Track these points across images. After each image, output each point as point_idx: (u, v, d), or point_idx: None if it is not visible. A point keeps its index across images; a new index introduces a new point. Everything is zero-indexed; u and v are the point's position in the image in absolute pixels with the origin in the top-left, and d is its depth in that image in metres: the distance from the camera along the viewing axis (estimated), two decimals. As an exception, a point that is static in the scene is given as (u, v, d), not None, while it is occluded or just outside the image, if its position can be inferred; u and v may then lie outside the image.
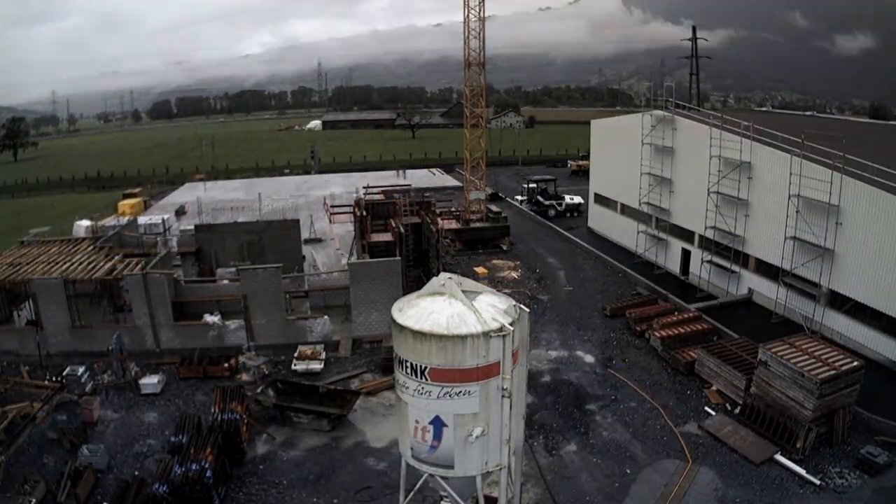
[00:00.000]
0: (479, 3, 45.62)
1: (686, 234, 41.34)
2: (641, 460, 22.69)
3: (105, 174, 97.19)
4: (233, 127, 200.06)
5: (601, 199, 53.25)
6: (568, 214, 59.03)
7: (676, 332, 31.10)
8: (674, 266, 42.57)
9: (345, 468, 22.57)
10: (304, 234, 42.81)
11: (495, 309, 14.57)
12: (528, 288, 40.03)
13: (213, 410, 24.19)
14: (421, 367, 13.88)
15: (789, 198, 31.69)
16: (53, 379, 28.29)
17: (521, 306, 14.94)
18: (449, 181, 76.75)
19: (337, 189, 63.22)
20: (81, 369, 27.77)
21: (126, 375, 28.08)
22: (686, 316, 33.09)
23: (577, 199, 59.78)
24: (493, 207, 55.61)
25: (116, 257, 33.42)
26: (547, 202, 59.65)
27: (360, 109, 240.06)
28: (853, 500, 20.36)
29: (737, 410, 25.29)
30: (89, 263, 32.62)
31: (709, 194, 37.34)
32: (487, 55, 47.65)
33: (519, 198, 64.52)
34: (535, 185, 61.15)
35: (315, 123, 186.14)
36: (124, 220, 44.10)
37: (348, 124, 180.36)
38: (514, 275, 42.71)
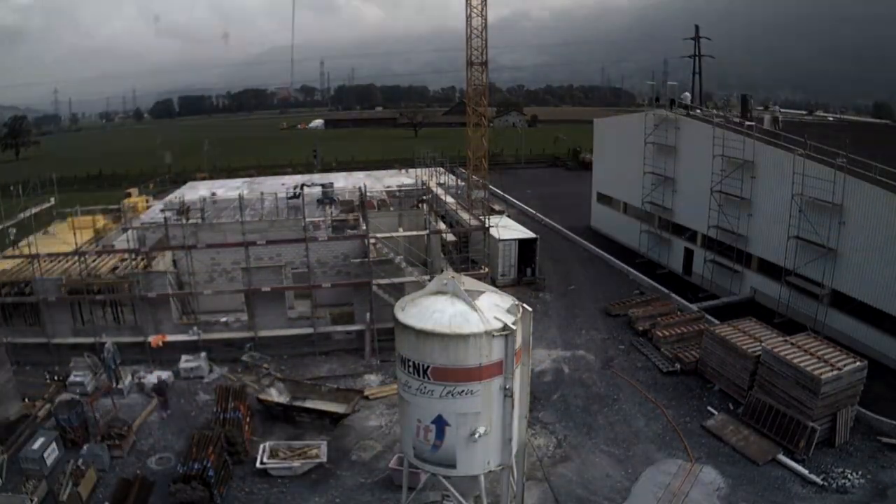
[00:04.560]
0: (482, 2, 45.51)
1: (689, 234, 41.29)
2: (643, 460, 22.64)
3: (107, 173, 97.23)
4: (235, 125, 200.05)
5: (604, 199, 53.20)
6: None
7: (679, 331, 31.07)
8: (676, 265, 42.51)
9: (347, 467, 22.55)
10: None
11: (498, 308, 14.54)
12: (530, 287, 40.01)
13: (215, 409, 24.22)
14: (423, 366, 13.86)
15: (792, 197, 31.63)
16: (55, 378, 28.33)
17: (524, 305, 14.92)
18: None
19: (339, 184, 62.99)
20: (84, 376, 27.76)
21: (119, 383, 27.85)
22: (688, 316, 33.05)
23: None
24: (496, 207, 55.54)
25: (119, 255, 33.40)
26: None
27: (362, 108, 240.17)
28: (855, 501, 20.30)
29: (739, 410, 25.24)
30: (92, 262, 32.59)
31: (711, 193, 37.29)
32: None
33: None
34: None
35: (317, 122, 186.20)
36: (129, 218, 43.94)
37: (350, 123, 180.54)
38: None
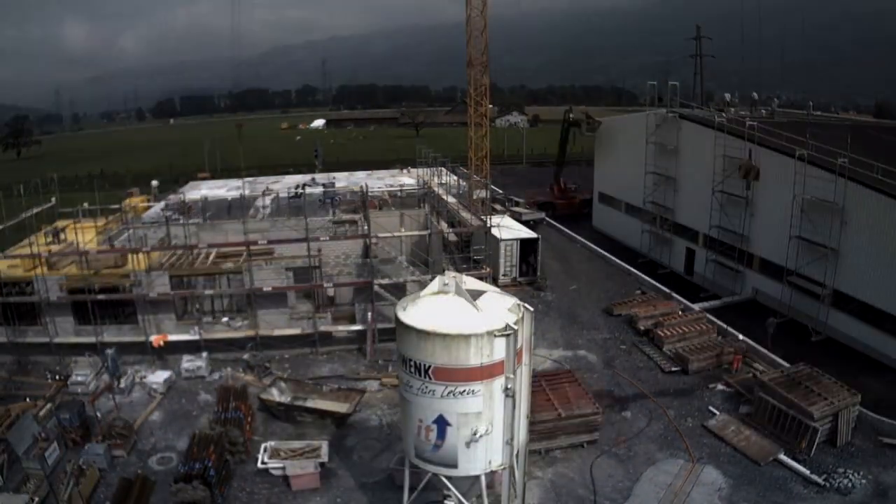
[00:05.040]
0: (482, 2, 45.47)
1: (691, 234, 41.27)
2: (645, 460, 22.62)
3: (109, 173, 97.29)
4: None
5: (605, 198, 53.19)
6: None
7: (681, 331, 31.04)
8: (678, 265, 42.49)
9: (348, 467, 22.55)
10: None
11: (499, 308, 14.55)
12: (531, 287, 40.00)
13: (216, 409, 24.21)
14: (425, 365, 13.86)
15: (794, 197, 31.60)
16: (56, 377, 28.33)
17: (525, 305, 14.91)
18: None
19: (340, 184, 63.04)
20: (86, 375, 27.77)
21: (117, 389, 27.82)
22: (690, 316, 33.03)
23: None
24: (497, 206, 55.52)
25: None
26: None
27: (363, 108, 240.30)
28: (857, 502, 20.27)
29: (741, 410, 25.21)
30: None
31: (713, 193, 37.26)
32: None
33: None
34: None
35: (319, 122, 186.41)
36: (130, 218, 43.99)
37: (352, 123, 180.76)
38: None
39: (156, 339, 30.07)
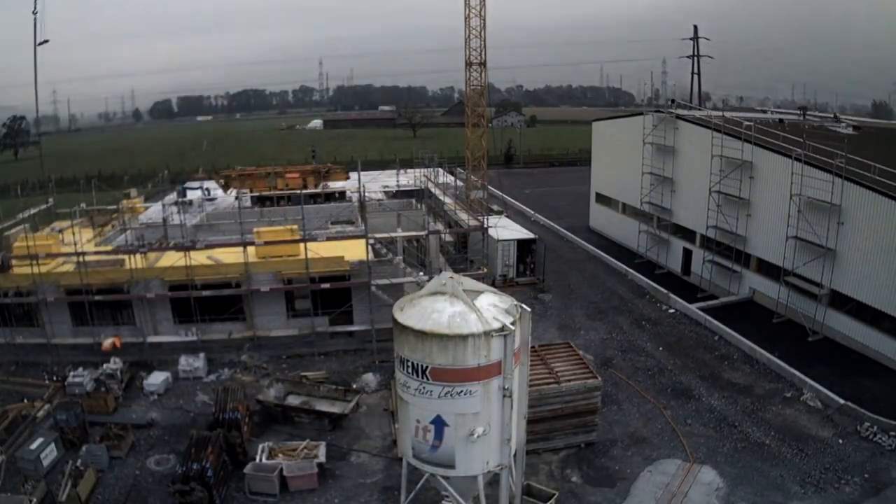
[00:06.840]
0: (480, 2, 45.53)
1: (687, 234, 41.29)
2: (642, 460, 22.63)
3: (106, 173, 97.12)
4: (234, 126, 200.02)
5: (602, 199, 53.22)
6: None
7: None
8: (675, 266, 42.51)
9: (346, 468, 22.54)
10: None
11: (497, 308, 14.56)
12: (529, 287, 40.03)
13: (214, 410, 24.18)
14: (422, 366, 13.88)
15: (791, 197, 31.64)
16: (54, 378, 28.28)
17: (523, 306, 14.93)
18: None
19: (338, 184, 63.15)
20: (84, 375, 27.72)
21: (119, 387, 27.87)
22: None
23: None
24: (495, 207, 55.53)
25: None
26: None
27: (361, 108, 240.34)
28: (854, 501, 20.30)
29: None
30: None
31: (710, 194, 37.29)
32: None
33: None
34: None
35: (316, 123, 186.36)
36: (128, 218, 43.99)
37: (350, 123, 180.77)
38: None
39: (107, 343, 29.07)
